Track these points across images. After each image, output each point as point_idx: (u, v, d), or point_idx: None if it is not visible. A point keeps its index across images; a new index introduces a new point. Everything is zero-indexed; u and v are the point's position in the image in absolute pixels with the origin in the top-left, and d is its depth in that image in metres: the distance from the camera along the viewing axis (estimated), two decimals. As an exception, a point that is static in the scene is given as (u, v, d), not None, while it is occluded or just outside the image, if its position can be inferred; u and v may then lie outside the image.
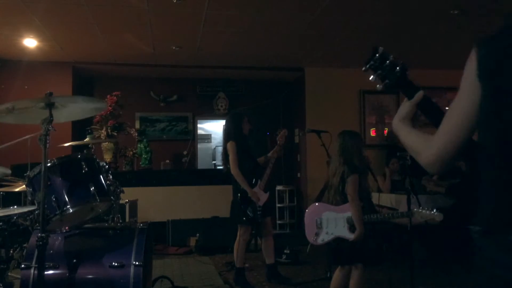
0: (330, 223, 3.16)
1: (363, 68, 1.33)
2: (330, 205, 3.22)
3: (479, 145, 1.08)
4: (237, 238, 4.26)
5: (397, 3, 4.87)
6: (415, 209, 3.18)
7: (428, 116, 1.27)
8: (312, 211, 3.29)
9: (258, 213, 4.17)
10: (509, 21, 1.08)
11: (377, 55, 1.31)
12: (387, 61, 1.29)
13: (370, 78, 1.34)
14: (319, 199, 4.07)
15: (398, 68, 1.29)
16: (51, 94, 2.31)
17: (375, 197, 3.86)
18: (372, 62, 1.31)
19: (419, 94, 1.28)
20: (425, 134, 1.22)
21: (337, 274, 3.22)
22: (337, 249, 3.25)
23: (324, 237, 3.18)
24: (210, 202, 6.33)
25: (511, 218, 0.96)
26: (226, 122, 4.46)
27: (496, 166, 1.02)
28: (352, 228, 3.08)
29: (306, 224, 3.29)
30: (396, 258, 4.25)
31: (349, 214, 3.10)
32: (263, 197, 4.24)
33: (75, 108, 2.67)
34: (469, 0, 4.76)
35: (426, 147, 1.18)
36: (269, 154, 4.45)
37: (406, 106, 1.32)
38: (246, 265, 4.63)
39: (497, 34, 1.07)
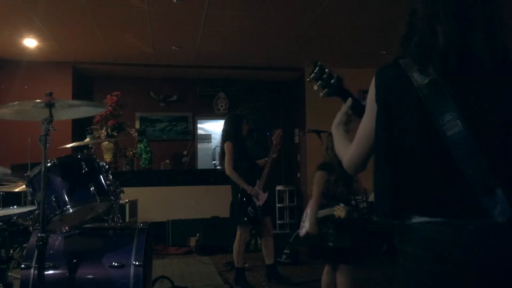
0: (308, 217, 3.28)
1: (308, 79, 1.53)
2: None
3: (375, 153, 1.29)
4: (237, 238, 4.26)
5: (397, 3, 4.87)
6: (338, 206, 3.08)
7: (361, 117, 1.40)
8: (308, 205, 3.45)
9: (259, 212, 4.19)
10: (396, 57, 1.28)
11: (316, 68, 1.48)
12: (325, 74, 1.46)
13: (314, 88, 1.51)
14: None
15: (333, 79, 1.46)
16: (51, 94, 2.31)
17: None
18: (313, 75, 1.49)
19: (348, 102, 1.45)
20: (349, 142, 1.40)
21: (324, 271, 3.30)
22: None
23: (303, 230, 3.35)
24: (210, 202, 6.33)
25: (403, 208, 1.22)
26: (225, 122, 4.47)
27: (387, 168, 1.24)
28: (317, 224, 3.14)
29: (302, 217, 3.48)
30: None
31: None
32: (262, 197, 4.25)
33: (76, 109, 2.68)
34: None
35: (345, 154, 1.40)
36: (269, 155, 4.48)
37: (339, 114, 1.48)
38: (246, 265, 4.64)
39: (388, 66, 1.29)
